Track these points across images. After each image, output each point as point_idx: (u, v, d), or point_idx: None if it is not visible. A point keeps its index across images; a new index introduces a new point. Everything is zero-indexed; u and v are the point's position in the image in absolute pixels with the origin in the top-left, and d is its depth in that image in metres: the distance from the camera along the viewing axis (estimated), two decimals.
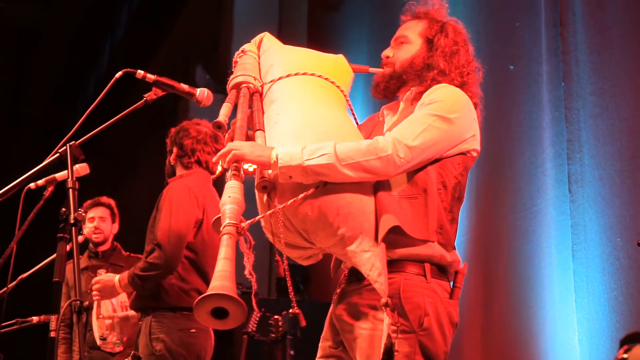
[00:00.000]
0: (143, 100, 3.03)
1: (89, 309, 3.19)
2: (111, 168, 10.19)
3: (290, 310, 2.63)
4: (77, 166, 3.49)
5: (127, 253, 5.68)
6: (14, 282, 4.22)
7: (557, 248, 4.75)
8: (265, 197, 2.54)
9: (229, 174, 2.45)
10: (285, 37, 8.58)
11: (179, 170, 4.43)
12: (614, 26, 4.58)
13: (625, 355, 1.58)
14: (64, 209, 2.77)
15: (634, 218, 4.33)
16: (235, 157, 2.46)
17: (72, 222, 2.67)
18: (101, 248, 5.60)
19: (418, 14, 2.91)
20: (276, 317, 5.68)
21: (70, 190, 2.79)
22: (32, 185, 3.31)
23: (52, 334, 2.60)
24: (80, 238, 5.37)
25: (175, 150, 4.43)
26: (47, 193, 3.30)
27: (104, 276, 4.32)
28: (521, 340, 4.92)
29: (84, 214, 2.74)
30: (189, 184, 4.26)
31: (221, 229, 2.32)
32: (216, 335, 4.49)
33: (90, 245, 5.63)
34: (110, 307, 4.71)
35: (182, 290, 4.18)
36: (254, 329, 5.69)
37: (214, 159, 2.52)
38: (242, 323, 5.35)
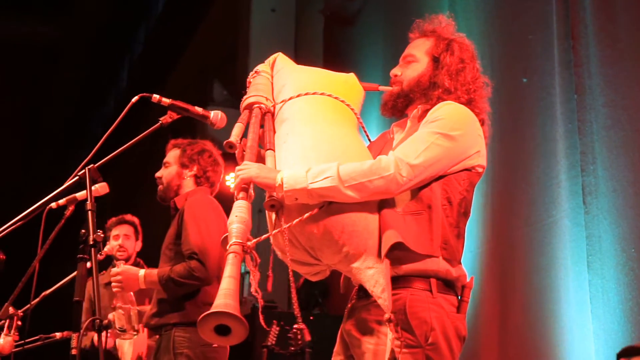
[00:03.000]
0: (159, 124, 3.10)
1: (108, 327, 3.24)
2: (131, 184, 10.29)
3: (295, 326, 2.68)
4: (96, 186, 3.55)
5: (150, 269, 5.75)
6: (37, 299, 4.30)
7: (573, 259, 4.77)
8: (273, 216, 2.60)
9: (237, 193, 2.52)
10: (302, 52, 8.71)
11: (188, 186, 4.51)
12: (624, 39, 4.62)
13: None
14: (83, 231, 2.83)
15: None
16: (243, 179, 2.53)
17: (91, 243, 2.73)
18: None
19: (425, 32, 2.95)
20: (295, 330, 5.74)
21: (89, 212, 2.85)
22: (53, 205, 3.38)
23: (74, 352, 2.66)
24: (100, 256, 5.45)
25: (195, 168, 4.51)
26: (68, 212, 3.36)
27: (126, 268, 4.36)
28: (538, 351, 4.94)
29: (102, 235, 2.79)
30: (211, 199, 4.36)
31: (227, 247, 2.37)
32: (235, 349, 4.54)
33: (114, 261, 5.70)
34: (129, 298, 4.76)
35: (206, 305, 4.23)
36: (274, 342, 5.75)
37: (232, 187, 2.58)
38: (256, 337, 5.38)
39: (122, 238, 5.65)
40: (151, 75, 11.39)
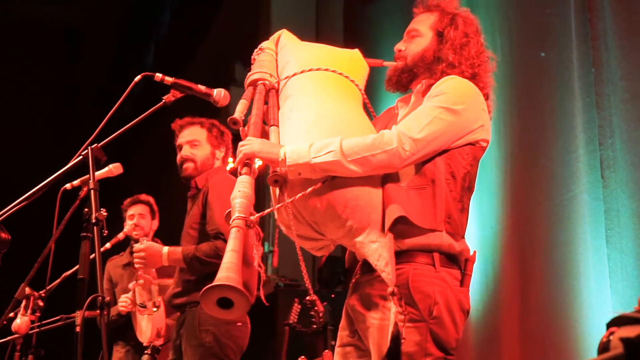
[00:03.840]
0: (162, 102, 3.12)
1: (110, 304, 3.28)
2: (151, 164, 10.36)
3: (307, 298, 2.72)
4: (111, 166, 3.60)
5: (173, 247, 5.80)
6: (58, 280, 4.36)
7: (592, 234, 4.74)
8: (277, 191, 2.62)
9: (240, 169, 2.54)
10: (323, 31, 8.68)
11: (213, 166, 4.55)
12: None
13: (611, 338, 1.61)
14: (86, 210, 2.87)
15: None
16: (246, 154, 2.55)
17: (93, 221, 2.77)
18: None
19: (429, 7, 2.94)
20: (317, 308, 5.76)
21: (92, 191, 2.89)
22: (67, 185, 3.42)
23: (77, 329, 2.70)
24: (121, 235, 5.52)
25: (223, 148, 4.56)
26: (83, 193, 3.39)
27: (149, 244, 4.40)
28: (558, 326, 4.92)
29: (105, 213, 2.83)
30: (234, 179, 4.42)
31: (230, 222, 2.40)
32: (258, 327, 4.59)
33: (132, 242, 5.76)
34: (151, 274, 4.81)
35: None
36: (295, 320, 5.78)
37: (236, 161, 2.61)
38: (279, 315, 5.41)
39: (137, 217, 5.71)
40: (176, 56, 11.43)
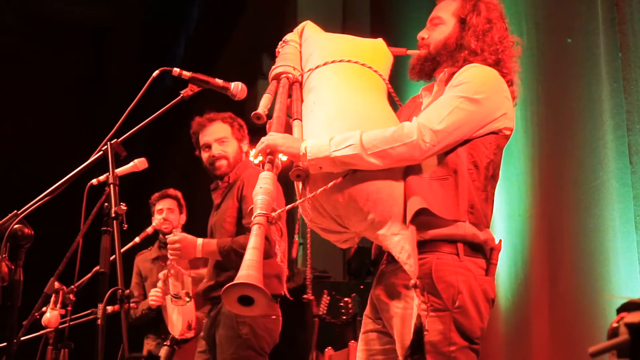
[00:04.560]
0: (180, 97, 3.14)
1: (130, 297, 3.30)
2: (178, 159, 10.42)
3: (304, 296, 2.73)
4: (136, 161, 3.63)
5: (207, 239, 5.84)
6: (89, 275, 4.40)
7: (621, 220, 4.70)
8: (300, 185, 2.63)
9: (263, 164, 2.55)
10: (349, 22, 8.67)
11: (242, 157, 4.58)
12: None
13: (620, 323, 1.61)
14: (106, 204, 2.90)
15: None
16: (268, 148, 2.56)
17: (113, 215, 2.79)
18: None
19: None
20: (346, 299, 5.77)
21: (111, 185, 2.91)
22: (94, 181, 3.45)
23: (99, 322, 2.73)
24: (150, 229, 5.57)
25: (247, 142, 4.60)
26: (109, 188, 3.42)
27: (183, 236, 4.41)
28: (588, 313, 4.89)
29: (125, 208, 2.85)
30: None
31: (252, 218, 2.41)
32: (288, 319, 4.61)
33: (160, 236, 5.81)
34: (184, 266, 4.85)
35: (269, 277, 4.29)
36: (325, 312, 5.79)
37: (252, 152, 2.62)
38: (309, 307, 5.44)
39: (166, 212, 5.76)
40: (205, 51, 11.49)
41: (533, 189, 5.47)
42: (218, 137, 4.57)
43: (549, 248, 5.31)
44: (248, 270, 2.26)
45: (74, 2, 12.16)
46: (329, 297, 5.81)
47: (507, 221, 5.62)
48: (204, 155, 4.60)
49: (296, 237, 2.67)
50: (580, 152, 5.08)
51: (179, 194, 5.89)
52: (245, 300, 2.27)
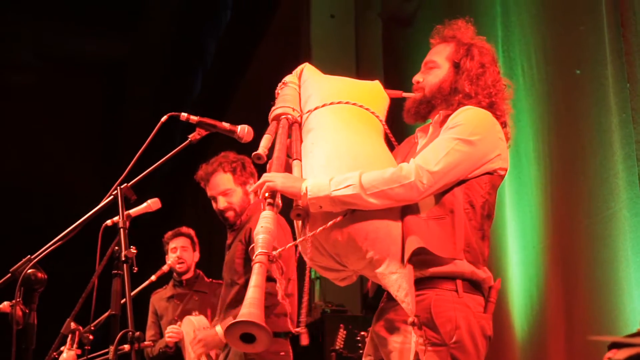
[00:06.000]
0: (188, 141, 3.19)
1: (141, 340, 3.33)
2: (195, 194, 10.50)
3: (295, 329, 2.77)
4: (149, 201, 3.68)
5: (210, 280, 5.91)
6: (105, 314, 4.45)
7: (633, 250, 4.71)
8: (300, 224, 2.68)
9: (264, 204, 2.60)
10: (362, 55, 8.74)
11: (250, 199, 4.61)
12: None
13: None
14: (116, 247, 2.96)
15: None
16: (269, 188, 2.62)
17: (123, 259, 2.85)
18: (185, 277, 5.85)
19: (446, 37, 2.99)
20: (363, 333, 5.79)
21: (121, 229, 2.97)
22: (108, 222, 3.50)
23: None
24: (166, 267, 5.64)
25: (253, 179, 4.65)
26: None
27: (203, 335, 4.59)
28: (604, 343, 4.89)
29: (134, 251, 2.91)
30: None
31: (253, 257, 2.47)
32: (305, 353, 4.64)
33: (175, 274, 5.87)
34: (201, 324, 4.93)
35: (275, 315, 4.35)
36: (342, 346, 5.81)
37: (251, 189, 2.67)
38: (326, 340, 5.45)
39: (180, 250, 5.82)
40: (223, 84, 11.61)
41: (546, 220, 5.48)
42: (221, 190, 4.60)
43: (564, 279, 5.32)
44: (250, 309, 2.31)
45: (91, 37, 12.33)
46: (345, 331, 5.83)
47: (521, 252, 5.63)
48: (213, 206, 4.66)
49: (308, 272, 2.70)
50: (592, 182, 5.10)
51: (192, 231, 5.95)
52: (248, 338, 2.31)
